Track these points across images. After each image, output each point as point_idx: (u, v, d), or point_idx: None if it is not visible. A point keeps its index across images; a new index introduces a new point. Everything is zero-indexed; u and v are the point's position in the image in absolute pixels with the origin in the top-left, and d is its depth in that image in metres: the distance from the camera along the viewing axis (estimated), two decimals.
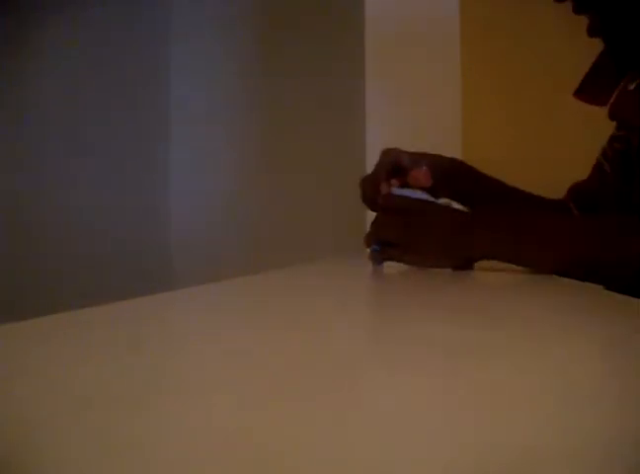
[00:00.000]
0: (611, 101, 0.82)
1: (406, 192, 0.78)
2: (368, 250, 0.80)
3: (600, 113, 0.87)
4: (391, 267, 0.78)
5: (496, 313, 0.44)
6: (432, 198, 0.78)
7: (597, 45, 1.32)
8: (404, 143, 0.88)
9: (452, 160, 0.89)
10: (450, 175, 0.86)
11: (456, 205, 0.86)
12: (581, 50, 1.34)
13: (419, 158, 0.83)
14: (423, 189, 0.78)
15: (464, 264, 0.74)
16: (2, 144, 1.68)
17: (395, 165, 0.82)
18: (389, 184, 0.80)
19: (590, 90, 0.84)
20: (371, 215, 0.81)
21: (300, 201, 1.73)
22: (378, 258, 0.77)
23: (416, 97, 1.26)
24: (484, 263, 0.77)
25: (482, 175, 0.90)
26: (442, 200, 0.79)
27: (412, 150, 0.85)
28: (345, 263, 0.92)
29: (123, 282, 1.71)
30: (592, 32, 0.73)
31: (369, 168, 1.33)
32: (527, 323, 0.39)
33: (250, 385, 0.23)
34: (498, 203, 0.91)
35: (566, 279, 0.64)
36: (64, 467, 0.16)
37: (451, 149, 1.02)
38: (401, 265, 0.78)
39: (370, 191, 0.82)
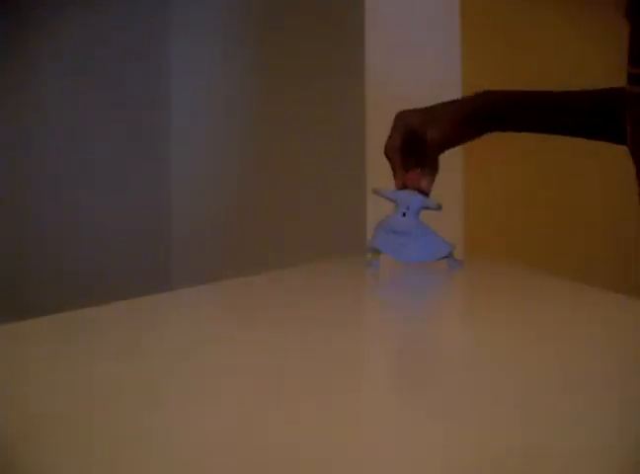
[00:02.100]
0: None
1: (400, 193, 0.78)
2: (367, 256, 0.80)
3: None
4: (389, 266, 0.79)
5: (496, 313, 0.44)
6: (428, 199, 0.78)
7: (598, 38, 1.32)
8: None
9: (478, 95, 0.84)
10: (487, 109, 0.83)
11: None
12: (581, 46, 1.35)
13: (430, 116, 0.80)
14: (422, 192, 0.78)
15: None
16: (2, 144, 1.68)
17: (409, 130, 0.80)
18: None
19: None
20: (372, 217, 0.81)
21: (301, 202, 1.73)
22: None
23: (416, 97, 1.26)
24: (483, 263, 0.77)
25: (520, 93, 0.86)
26: (432, 202, 0.78)
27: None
28: (345, 263, 0.92)
29: (124, 282, 1.71)
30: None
31: (369, 169, 1.34)
32: (527, 323, 0.39)
33: (250, 385, 0.23)
34: (551, 114, 0.87)
35: (565, 280, 0.64)
36: (65, 467, 0.16)
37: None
38: (398, 266, 0.78)
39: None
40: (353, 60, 1.37)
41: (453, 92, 1.27)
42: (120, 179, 1.86)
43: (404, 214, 0.78)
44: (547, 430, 0.18)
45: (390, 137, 0.80)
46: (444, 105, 0.84)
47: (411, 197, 0.78)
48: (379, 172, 1.25)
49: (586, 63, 1.35)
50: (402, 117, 0.81)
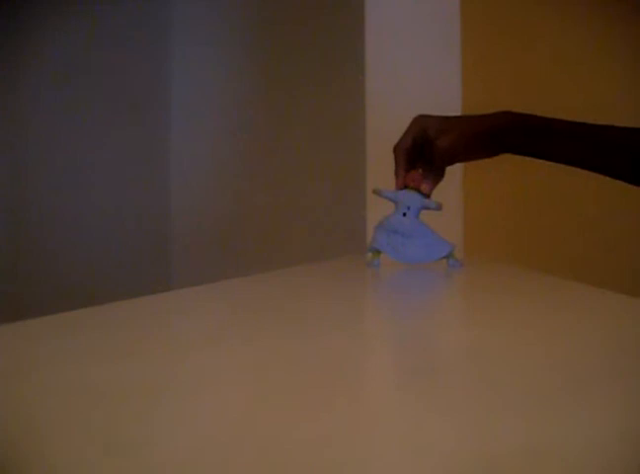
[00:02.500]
0: None
1: (401, 193, 0.78)
2: (368, 256, 0.80)
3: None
4: (389, 266, 0.79)
5: (496, 313, 0.44)
6: (428, 200, 0.78)
7: (598, 36, 1.32)
8: None
9: (500, 115, 0.81)
10: (506, 130, 0.81)
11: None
12: (583, 49, 1.35)
13: (446, 126, 0.79)
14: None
15: None
16: (1, 143, 1.68)
17: (423, 135, 0.80)
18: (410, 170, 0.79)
19: None
20: (372, 217, 0.81)
21: (301, 202, 1.73)
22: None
23: (416, 98, 1.26)
24: (483, 263, 0.77)
25: (543, 120, 0.82)
26: (432, 202, 0.78)
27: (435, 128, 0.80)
28: (345, 263, 0.92)
29: (124, 282, 1.71)
30: None
31: (369, 169, 1.34)
32: (527, 323, 0.39)
33: (251, 385, 0.23)
34: (570, 146, 0.83)
35: (565, 280, 0.64)
36: (65, 467, 0.16)
37: None
38: (398, 266, 0.78)
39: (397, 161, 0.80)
40: (353, 61, 1.37)
41: (454, 93, 1.27)
42: (120, 179, 1.86)
43: (404, 214, 0.78)
44: (547, 429, 0.18)
45: (402, 137, 0.80)
46: (463, 118, 0.83)
47: (411, 198, 0.78)
48: (379, 172, 1.25)
49: (587, 62, 1.35)
50: (419, 120, 0.81)
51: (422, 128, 0.80)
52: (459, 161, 0.86)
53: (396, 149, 0.80)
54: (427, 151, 0.79)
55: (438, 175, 0.81)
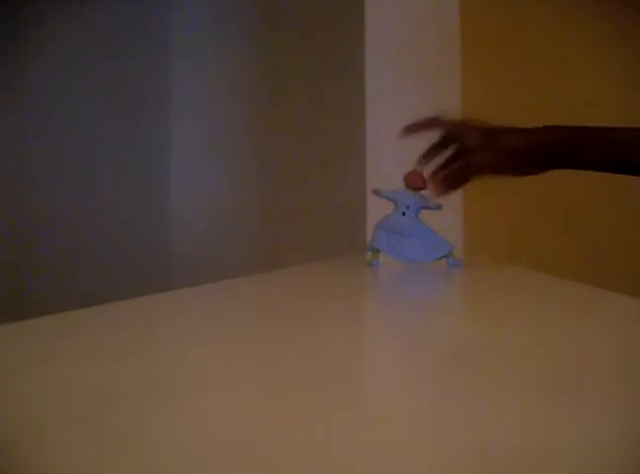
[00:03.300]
0: None
1: (400, 193, 0.79)
2: (367, 256, 0.80)
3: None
4: (389, 265, 0.79)
5: (496, 312, 0.44)
6: (428, 199, 0.78)
7: (598, 36, 1.32)
8: (405, 145, 0.87)
9: (548, 131, 0.76)
10: (554, 147, 0.76)
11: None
12: (583, 49, 1.35)
13: (489, 140, 0.76)
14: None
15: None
16: (3, 145, 1.68)
17: (454, 141, 0.78)
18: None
19: None
20: (372, 217, 0.81)
21: (301, 202, 1.73)
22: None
23: (416, 100, 1.26)
24: (483, 263, 0.77)
25: (592, 130, 0.77)
26: (432, 202, 0.79)
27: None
28: (345, 263, 0.92)
29: (124, 283, 1.71)
30: None
31: (369, 171, 1.34)
32: (527, 323, 0.39)
33: (252, 384, 0.23)
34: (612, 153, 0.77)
35: (566, 280, 0.64)
36: (65, 467, 0.16)
37: None
38: (398, 265, 0.78)
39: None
40: (353, 62, 1.37)
41: (453, 92, 1.27)
42: (120, 179, 1.86)
43: (404, 214, 0.78)
44: (547, 429, 0.18)
45: (441, 138, 0.79)
46: (506, 131, 0.78)
47: (411, 197, 0.78)
48: (379, 172, 1.25)
49: (587, 62, 1.35)
50: (459, 128, 0.78)
51: (455, 136, 0.77)
52: (499, 176, 0.82)
53: (431, 121, 0.79)
54: (459, 159, 0.77)
55: (455, 182, 0.77)
